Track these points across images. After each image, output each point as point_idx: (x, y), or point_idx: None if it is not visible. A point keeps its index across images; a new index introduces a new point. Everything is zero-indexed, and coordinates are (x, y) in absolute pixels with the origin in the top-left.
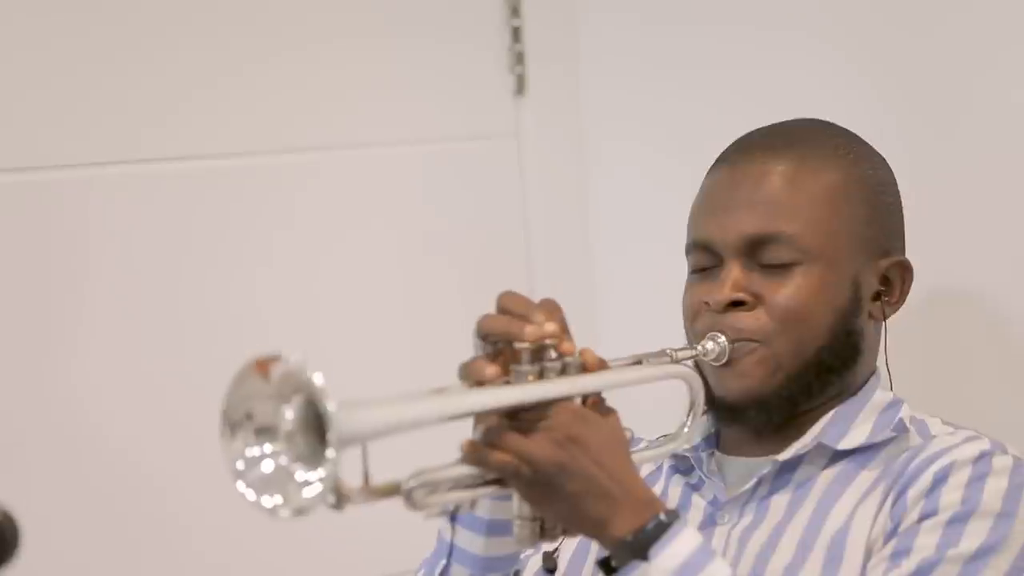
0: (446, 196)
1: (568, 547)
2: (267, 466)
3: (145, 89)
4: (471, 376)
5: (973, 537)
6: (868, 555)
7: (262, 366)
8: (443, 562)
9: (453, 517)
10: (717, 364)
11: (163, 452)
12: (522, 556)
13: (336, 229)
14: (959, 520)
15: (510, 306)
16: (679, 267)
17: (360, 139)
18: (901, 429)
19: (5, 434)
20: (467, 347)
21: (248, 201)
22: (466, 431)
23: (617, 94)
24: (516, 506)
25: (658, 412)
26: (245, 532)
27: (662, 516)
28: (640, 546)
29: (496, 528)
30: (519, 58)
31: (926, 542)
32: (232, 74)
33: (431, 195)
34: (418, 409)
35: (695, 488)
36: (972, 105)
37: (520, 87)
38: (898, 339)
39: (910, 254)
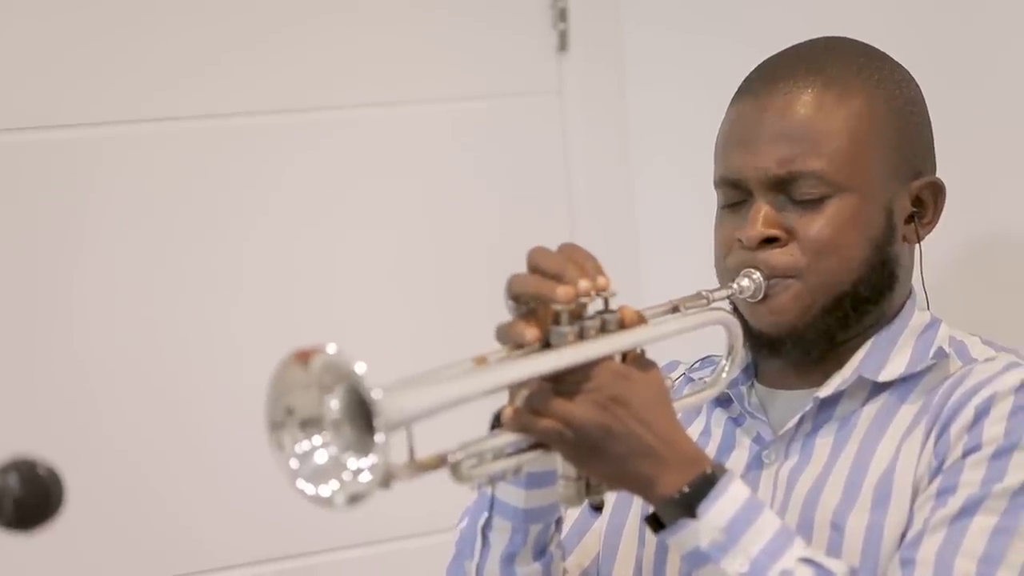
0: (488, 153)
1: None
2: (320, 457)
3: (175, 47)
4: (511, 340)
5: (1018, 470)
6: (915, 494)
7: (302, 357)
8: (485, 515)
9: None
10: (753, 300)
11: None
12: None
13: (376, 187)
14: (1003, 454)
15: (541, 264)
16: None
17: (400, 96)
18: (940, 356)
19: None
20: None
21: (285, 159)
22: (502, 397)
23: (660, 50)
24: (560, 466)
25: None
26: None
27: (708, 471)
28: (688, 503)
29: (536, 481)
30: (562, 14)
31: (971, 478)
32: (270, 30)
33: (472, 152)
34: (462, 386)
35: (737, 423)
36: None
37: (563, 43)
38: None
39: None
